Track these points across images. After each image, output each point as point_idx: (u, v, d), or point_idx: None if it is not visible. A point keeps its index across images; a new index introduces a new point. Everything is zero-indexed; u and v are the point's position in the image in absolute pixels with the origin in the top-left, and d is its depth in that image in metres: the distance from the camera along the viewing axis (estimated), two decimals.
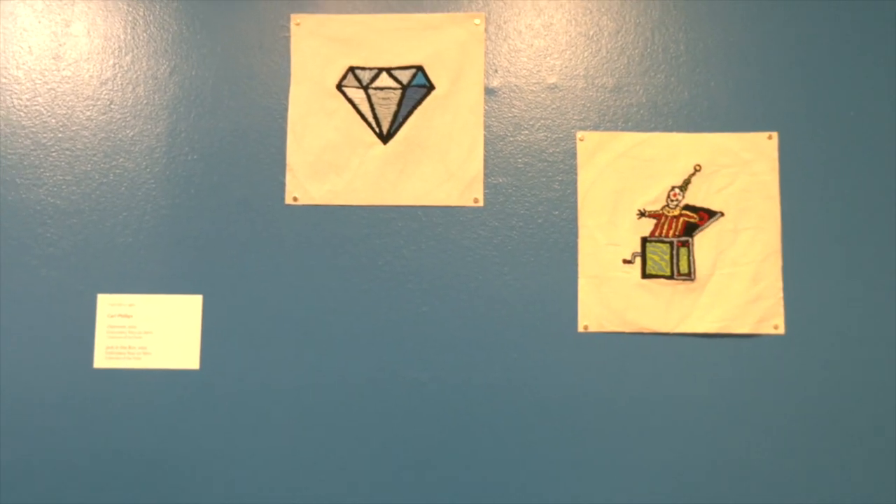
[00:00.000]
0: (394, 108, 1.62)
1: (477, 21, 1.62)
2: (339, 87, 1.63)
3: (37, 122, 1.64)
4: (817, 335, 1.53)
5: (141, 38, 1.66)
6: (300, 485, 1.55)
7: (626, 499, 1.52)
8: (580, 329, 1.55)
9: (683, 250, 1.56)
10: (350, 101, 1.62)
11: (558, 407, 1.54)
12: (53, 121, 1.64)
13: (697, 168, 1.57)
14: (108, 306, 1.60)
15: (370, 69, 1.63)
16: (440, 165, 1.60)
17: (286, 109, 1.62)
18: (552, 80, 1.61)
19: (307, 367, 1.57)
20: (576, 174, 1.59)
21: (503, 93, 1.62)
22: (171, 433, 1.56)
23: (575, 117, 1.60)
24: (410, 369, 1.56)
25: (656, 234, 1.57)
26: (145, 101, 1.64)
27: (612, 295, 1.56)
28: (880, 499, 1.50)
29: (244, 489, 1.55)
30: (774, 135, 1.57)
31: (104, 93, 1.65)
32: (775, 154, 1.57)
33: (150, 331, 1.59)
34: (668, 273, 1.56)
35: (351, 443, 1.55)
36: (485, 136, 1.60)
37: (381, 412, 1.56)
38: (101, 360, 1.58)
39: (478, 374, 1.55)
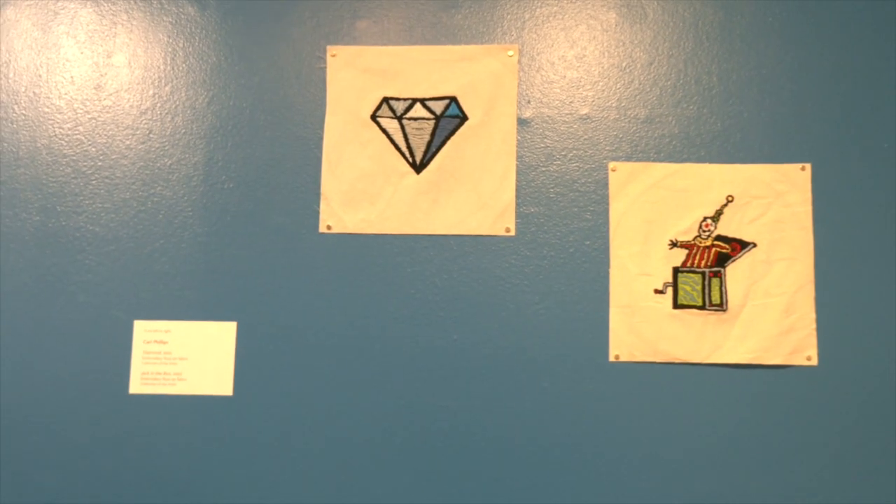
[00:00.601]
0: (427, 138, 1.64)
1: (510, 53, 1.64)
2: (374, 117, 1.65)
3: (77, 151, 1.68)
4: (851, 367, 1.53)
5: (180, 69, 1.70)
6: None
7: None
8: (611, 359, 1.56)
9: (715, 281, 1.57)
10: (384, 131, 1.65)
11: (589, 437, 1.55)
12: (94, 149, 1.68)
13: (730, 199, 1.58)
14: (144, 332, 1.62)
15: (404, 100, 1.65)
16: (472, 195, 1.62)
17: (321, 139, 1.65)
18: (584, 111, 1.63)
19: (339, 395, 1.59)
20: (608, 204, 1.60)
21: (536, 123, 1.64)
22: (205, 459, 1.58)
23: (607, 148, 1.62)
24: (442, 397, 1.57)
25: (688, 264, 1.58)
26: (183, 131, 1.68)
27: (644, 325, 1.56)
28: None
29: None
30: (808, 166, 1.58)
31: (144, 122, 1.69)
32: (808, 185, 1.57)
33: (185, 357, 1.61)
34: (699, 303, 1.56)
35: (382, 469, 1.57)
36: (517, 166, 1.63)
37: (412, 439, 1.57)
38: (136, 386, 1.61)
39: (508, 402, 1.56)
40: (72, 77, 1.72)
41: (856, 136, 1.59)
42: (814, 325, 1.54)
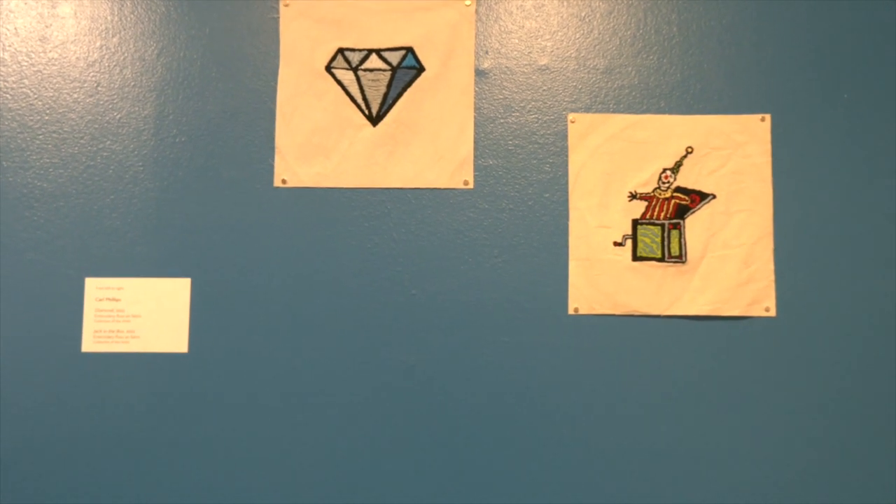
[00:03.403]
0: (383, 89, 1.62)
1: (468, 2, 1.62)
2: (329, 68, 1.63)
3: (23, 105, 1.65)
4: (809, 318, 1.55)
5: (128, 19, 1.66)
6: (287, 468, 1.56)
7: (617, 481, 1.54)
8: (570, 312, 1.56)
9: (675, 232, 1.57)
10: (339, 82, 1.63)
11: (548, 390, 1.56)
12: (40, 103, 1.65)
13: (689, 150, 1.58)
14: (96, 290, 1.60)
15: (360, 50, 1.63)
16: (430, 147, 1.61)
17: (275, 91, 1.63)
18: (543, 61, 1.62)
19: (295, 351, 1.58)
20: (567, 156, 1.60)
21: (494, 74, 1.62)
22: (160, 417, 1.58)
23: (566, 99, 1.61)
24: (400, 353, 1.57)
25: (647, 216, 1.58)
26: (133, 84, 1.65)
27: (603, 277, 1.56)
28: (872, 481, 1.53)
29: (232, 472, 1.57)
30: (767, 117, 1.58)
31: (91, 75, 1.65)
32: (768, 136, 1.58)
33: (138, 314, 1.60)
34: (659, 255, 1.57)
35: (339, 426, 1.57)
36: (475, 117, 1.61)
37: (370, 395, 1.57)
38: (89, 344, 1.59)
39: (467, 357, 1.57)
40: (15, 28, 1.67)
41: (816, 86, 1.59)
42: (772, 277, 1.55)
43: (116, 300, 1.60)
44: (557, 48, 1.62)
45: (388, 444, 1.56)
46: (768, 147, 1.57)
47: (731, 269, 1.55)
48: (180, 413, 1.57)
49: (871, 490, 1.52)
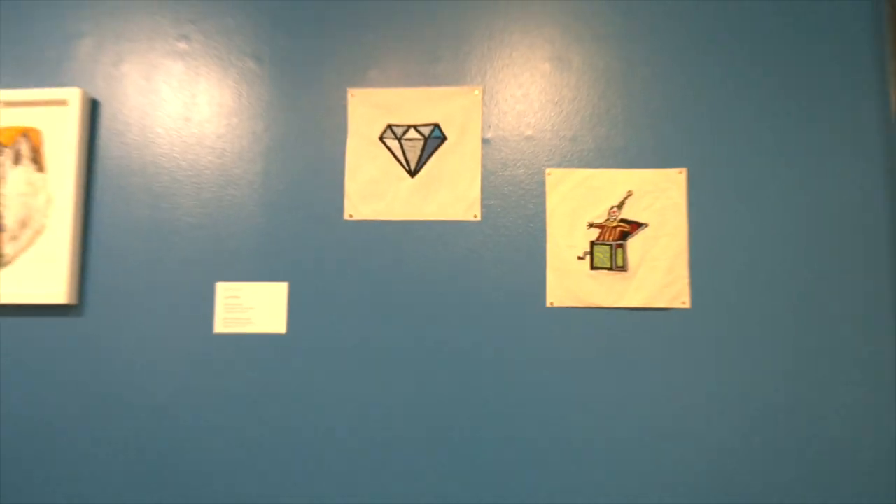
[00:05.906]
0: (419, 152, 1.89)
1: (476, 92, 1.90)
2: (381, 138, 1.90)
3: (173, 165, 1.96)
4: (715, 309, 1.77)
5: (244, 105, 1.96)
6: (358, 419, 1.84)
7: (585, 434, 1.77)
8: (547, 304, 1.81)
9: (619, 250, 1.82)
10: (388, 148, 1.89)
11: (530, 363, 1.78)
12: (185, 164, 1.96)
13: (630, 193, 1.84)
14: (224, 291, 1.90)
15: (402, 126, 1.90)
16: (451, 192, 1.86)
17: (344, 155, 1.90)
18: (528, 132, 1.88)
19: (360, 332, 1.84)
20: (545, 199, 1.85)
21: (495, 142, 1.89)
22: (267, 377, 1.85)
23: (544, 158, 1.87)
24: (432, 331, 1.83)
25: (601, 239, 1.83)
26: (248, 150, 1.94)
27: (570, 281, 1.81)
28: (768, 452, 1.73)
29: (320, 415, 1.84)
30: (684, 170, 1.83)
31: (220, 143, 1.95)
32: (685, 183, 1.83)
33: (252, 307, 1.88)
34: (609, 266, 1.82)
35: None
36: (482, 171, 1.87)
37: (417, 369, 1.82)
38: (219, 327, 1.89)
39: (472, 338, 1.81)
40: (168, 113, 1.97)
41: (722, 147, 1.82)
42: (687, 280, 1.79)
43: (237, 297, 1.89)
44: (538, 123, 1.88)
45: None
46: (685, 191, 1.82)
47: (659, 275, 1.80)
48: (281, 375, 1.85)
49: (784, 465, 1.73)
